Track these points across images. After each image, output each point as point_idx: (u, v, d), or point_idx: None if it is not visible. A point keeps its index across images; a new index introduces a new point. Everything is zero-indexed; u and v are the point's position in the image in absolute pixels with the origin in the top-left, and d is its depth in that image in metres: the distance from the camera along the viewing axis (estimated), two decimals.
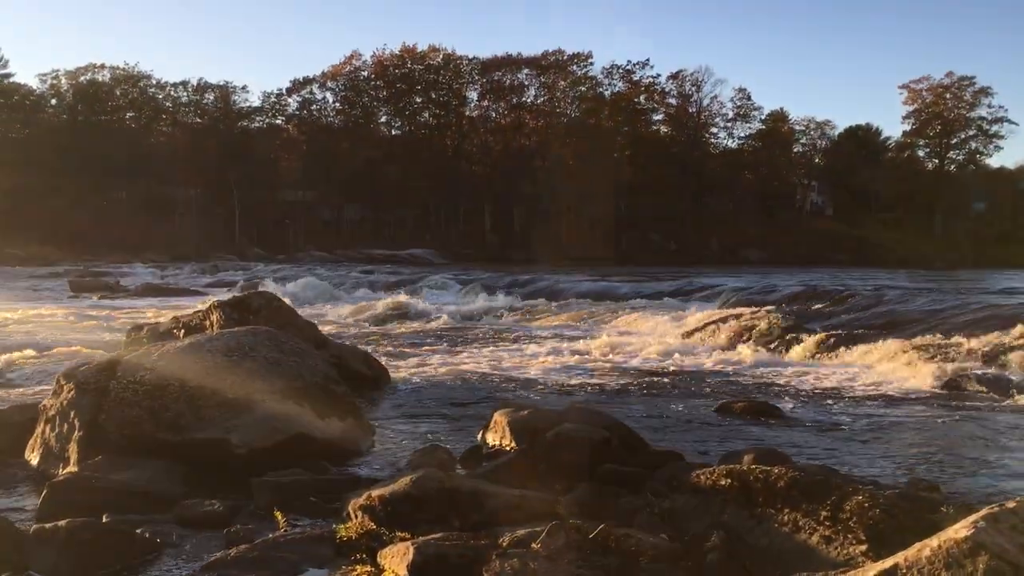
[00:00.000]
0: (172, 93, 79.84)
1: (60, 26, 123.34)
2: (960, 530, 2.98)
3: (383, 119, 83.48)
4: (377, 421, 8.25)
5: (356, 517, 4.97)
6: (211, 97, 79.43)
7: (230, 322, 10.12)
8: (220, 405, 6.53)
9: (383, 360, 12.00)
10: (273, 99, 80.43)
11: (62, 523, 4.66)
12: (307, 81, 79.90)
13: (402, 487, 5.04)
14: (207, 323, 10.70)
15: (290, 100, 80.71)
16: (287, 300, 13.62)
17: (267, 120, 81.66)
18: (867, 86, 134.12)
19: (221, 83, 78.97)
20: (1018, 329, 13.13)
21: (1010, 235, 73.67)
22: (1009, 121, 78.83)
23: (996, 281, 36.39)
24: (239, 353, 7.08)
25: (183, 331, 10.68)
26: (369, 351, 12.61)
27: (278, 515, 5.10)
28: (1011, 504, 3.10)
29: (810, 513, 4.36)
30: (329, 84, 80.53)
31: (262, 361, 7.06)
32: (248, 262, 52.13)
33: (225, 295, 24.96)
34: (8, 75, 74.57)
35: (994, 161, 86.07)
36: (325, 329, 14.78)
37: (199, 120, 79.84)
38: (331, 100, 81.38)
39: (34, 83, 76.93)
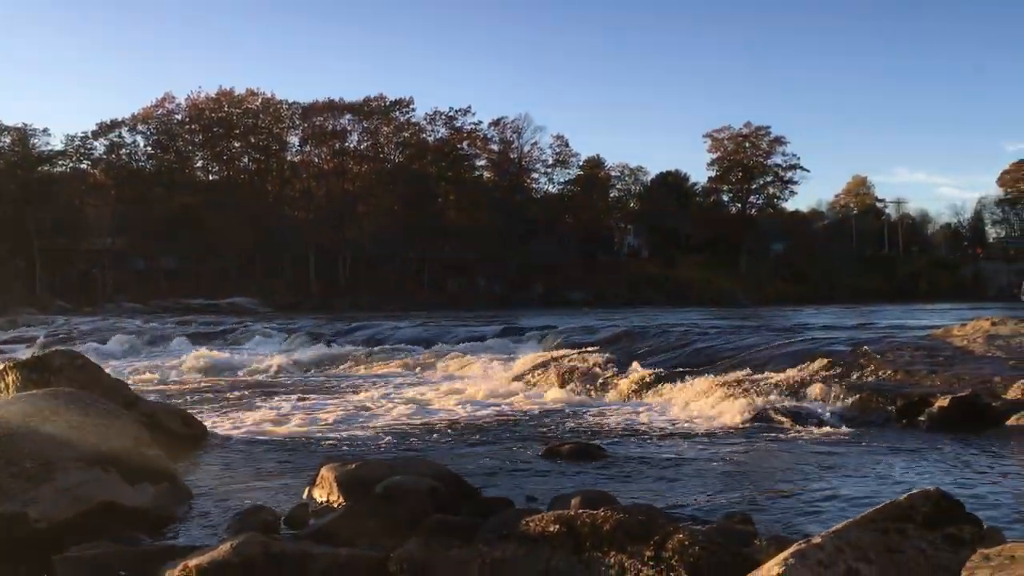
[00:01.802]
0: None
1: None
2: (772, 568, 3.14)
3: (199, 164, 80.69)
4: (196, 484, 7.83)
5: None
6: (7, 140, 74.11)
7: (28, 384, 9.38)
8: (16, 476, 6.01)
9: (202, 417, 11.45)
10: (77, 142, 76.08)
11: None
12: (115, 124, 76.17)
13: (222, 554, 4.80)
14: (1, 385, 9.86)
15: (96, 143, 76.61)
16: (94, 356, 12.80)
17: (71, 164, 77.00)
18: (676, 134, 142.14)
19: (18, 125, 73.96)
20: (816, 363, 14.13)
21: (806, 274, 79.63)
22: (802, 168, 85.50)
23: (794, 317, 39.07)
24: (38, 418, 6.57)
25: None
26: (186, 408, 12.03)
27: None
28: (817, 540, 3.29)
29: (635, 554, 4.47)
30: (139, 127, 77.10)
31: (63, 425, 6.58)
32: (51, 315, 48.69)
33: (24, 352, 23.23)
34: None
35: (789, 205, 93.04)
36: (137, 386, 13.99)
37: None
38: (142, 144, 77.96)
39: None
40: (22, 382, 9.61)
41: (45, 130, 75.81)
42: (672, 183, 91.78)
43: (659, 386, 14.36)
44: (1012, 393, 11.42)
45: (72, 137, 76.09)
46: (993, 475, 8.11)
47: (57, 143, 76.26)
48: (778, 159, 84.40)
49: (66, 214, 69.67)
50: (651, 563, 4.39)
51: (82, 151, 76.58)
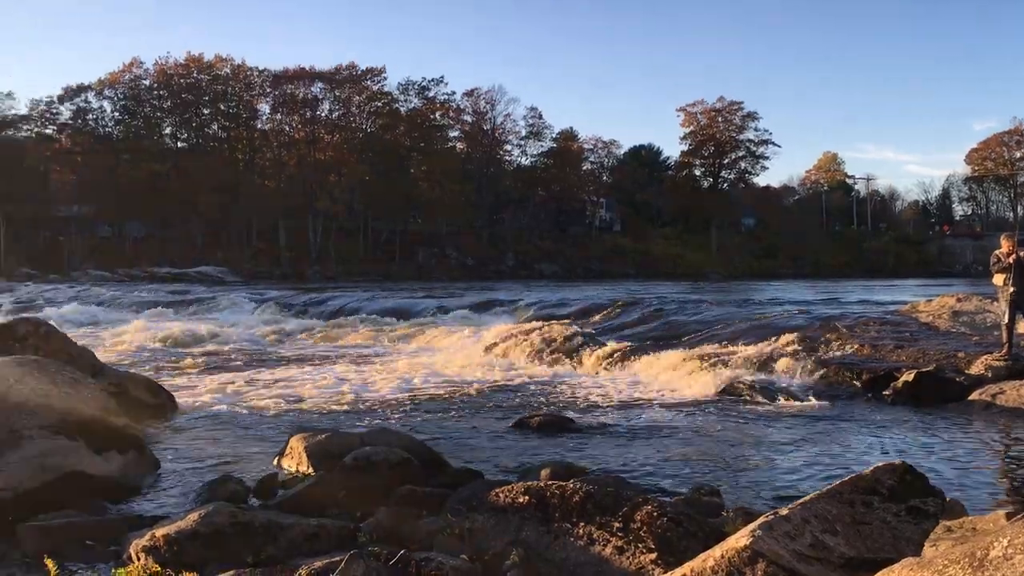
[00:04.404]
0: None
1: None
2: (740, 539, 3.17)
3: (168, 131, 79.41)
4: (163, 453, 7.77)
5: (138, 559, 4.65)
6: None
7: None
8: None
9: (169, 386, 11.36)
10: (43, 107, 74.54)
11: None
12: (81, 88, 74.66)
13: (189, 524, 4.77)
14: None
15: (62, 108, 75.12)
16: (60, 324, 12.63)
17: (36, 129, 75.49)
18: (649, 108, 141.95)
19: None
20: (784, 338, 14.27)
21: (775, 248, 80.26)
22: (773, 143, 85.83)
23: (764, 292, 39.40)
24: (3, 385, 6.48)
25: None
26: (154, 377, 11.92)
27: (49, 562, 4.66)
28: (784, 511, 3.32)
29: (603, 525, 4.50)
30: (107, 92, 75.64)
31: (28, 394, 6.49)
32: (15, 283, 47.93)
33: None
34: None
35: (761, 180, 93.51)
36: (104, 355, 13.84)
37: None
38: (109, 110, 76.54)
39: None
40: None
41: (9, 94, 74.50)
42: (645, 157, 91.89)
43: (629, 359, 14.45)
44: (975, 368, 11.62)
45: (37, 101, 74.69)
46: (956, 449, 8.26)
47: (22, 107, 74.85)
48: (750, 134, 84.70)
49: (31, 180, 68.41)
50: (620, 534, 4.42)
51: (47, 116, 75.10)
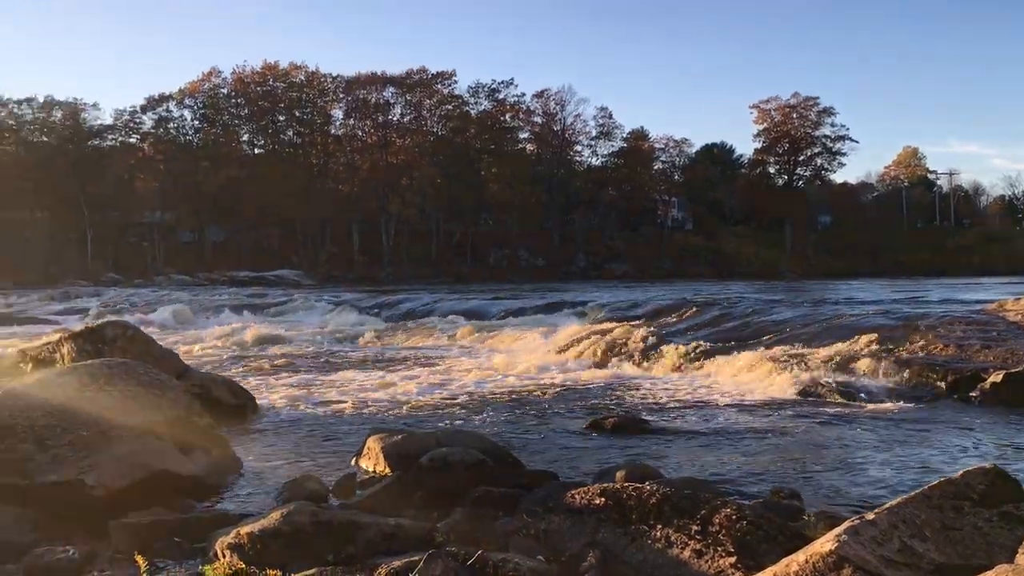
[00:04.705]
0: (16, 110, 75.26)
1: None
2: (825, 544, 3.11)
3: (245, 137, 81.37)
4: (244, 453, 7.96)
5: (224, 556, 4.77)
6: (59, 115, 75.34)
7: (83, 354, 9.58)
8: (73, 444, 6.16)
9: (250, 387, 11.62)
10: (127, 117, 77.10)
11: None
12: (163, 98, 76.99)
13: (272, 523, 4.88)
14: (57, 356, 10.09)
15: (145, 118, 77.57)
16: (146, 327, 13.04)
17: (120, 139, 78.10)
18: (722, 106, 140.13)
19: (70, 100, 75.15)
20: (864, 338, 13.92)
21: (853, 246, 78.36)
22: (851, 139, 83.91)
23: (841, 291, 38.50)
24: (94, 387, 6.72)
25: (31, 365, 10.05)
26: (234, 378, 12.21)
27: (139, 559, 4.82)
28: (870, 516, 3.25)
29: (681, 528, 4.46)
30: (187, 101, 77.87)
31: (118, 395, 6.72)
32: (102, 287, 49.65)
33: (78, 323, 23.74)
34: None
35: (838, 177, 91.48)
36: (187, 357, 14.23)
37: (46, 139, 75.54)
38: (189, 118, 78.79)
39: None
40: (77, 352, 9.82)
41: (95, 105, 77.21)
42: (717, 155, 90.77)
43: (704, 360, 14.27)
44: None
45: (121, 112, 77.28)
46: None
47: (107, 117, 77.54)
48: (826, 130, 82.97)
49: (116, 188, 70.86)
50: (698, 537, 4.38)
51: (131, 125, 77.64)
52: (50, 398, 6.49)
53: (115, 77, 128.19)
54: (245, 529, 4.87)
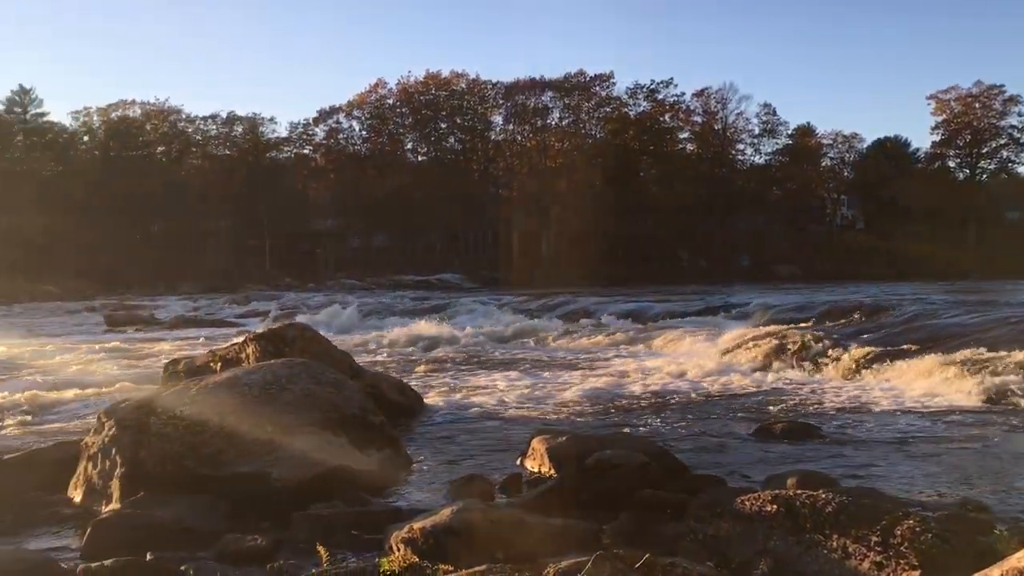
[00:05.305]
0: (201, 126, 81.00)
1: (91, 64, 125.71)
2: (1022, 559, 2.91)
3: (409, 145, 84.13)
4: (414, 451, 8.23)
5: (398, 550, 4.95)
6: (239, 129, 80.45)
7: (266, 354, 10.17)
8: (259, 439, 6.55)
9: (417, 387, 12.00)
10: (300, 129, 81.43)
11: (108, 562, 4.68)
12: (333, 110, 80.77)
13: (443, 519, 5.02)
14: (243, 356, 10.75)
15: (317, 130, 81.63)
16: (319, 329, 13.67)
17: (295, 150, 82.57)
18: (894, 98, 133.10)
19: (249, 115, 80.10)
20: None
21: None
22: None
23: None
24: (276, 386, 7.12)
25: (219, 364, 10.75)
26: (402, 378, 12.62)
27: (321, 550, 5.08)
28: None
29: (860, 539, 4.29)
30: (355, 112, 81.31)
31: (299, 393, 7.09)
32: (279, 291, 52.49)
33: (258, 325, 25.20)
34: (42, 114, 76.24)
35: None
36: (358, 358, 14.83)
37: (228, 152, 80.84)
38: (357, 128, 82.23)
39: (66, 121, 78.53)
40: (260, 353, 10.43)
41: (272, 118, 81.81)
42: (890, 149, 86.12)
43: (879, 364, 13.62)
44: None
45: (295, 124, 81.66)
46: None
47: (282, 130, 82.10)
48: (1013, 120, 77.41)
49: (291, 197, 74.90)
50: (878, 549, 4.19)
51: (304, 137, 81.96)
52: (237, 395, 6.93)
53: (288, 91, 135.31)
54: (418, 525, 5.03)
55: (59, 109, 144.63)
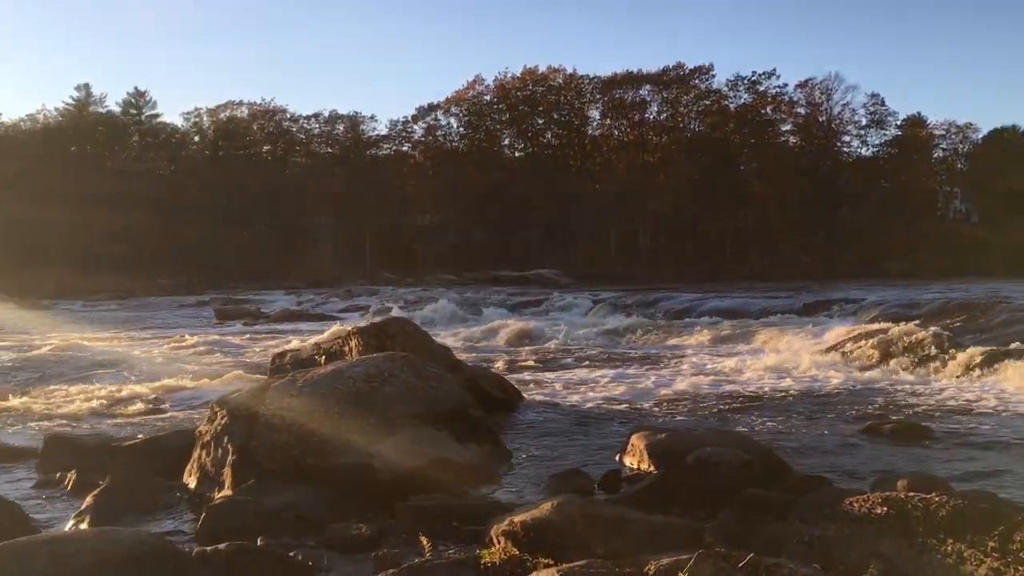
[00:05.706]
0: (305, 125, 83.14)
1: (201, 67, 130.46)
2: None
3: (506, 141, 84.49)
4: (512, 445, 8.29)
5: (499, 543, 5.00)
6: (341, 128, 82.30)
7: (368, 348, 10.40)
8: (362, 430, 6.71)
9: (515, 382, 12.07)
10: (400, 127, 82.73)
11: (222, 546, 4.86)
12: (432, 108, 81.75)
13: (543, 513, 5.04)
14: (346, 349, 11.02)
15: (415, 127, 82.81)
16: (419, 323, 13.90)
17: (394, 147, 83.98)
18: (1013, 86, 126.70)
19: (351, 114, 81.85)
20: None
21: None
22: None
23: None
24: (379, 379, 7.27)
25: (324, 357, 11.04)
26: (500, 373, 12.72)
27: (424, 540, 5.18)
28: None
29: (975, 544, 4.13)
30: (453, 109, 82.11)
31: (401, 387, 7.22)
32: (379, 286, 53.51)
33: (358, 319, 25.76)
34: (156, 115, 79.65)
35: None
36: (457, 352, 15.01)
37: (331, 150, 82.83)
38: (455, 125, 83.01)
39: (178, 122, 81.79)
40: (363, 346, 10.67)
41: (372, 116, 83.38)
42: (1009, 139, 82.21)
43: (993, 364, 13.03)
44: None
45: (395, 122, 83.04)
46: None
47: (382, 128, 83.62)
48: None
49: (390, 193, 76.23)
50: (995, 555, 4.02)
51: (403, 134, 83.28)
52: (342, 388, 7.10)
53: (389, 89, 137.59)
54: (518, 518, 5.07)
55: (171, 110, 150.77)
